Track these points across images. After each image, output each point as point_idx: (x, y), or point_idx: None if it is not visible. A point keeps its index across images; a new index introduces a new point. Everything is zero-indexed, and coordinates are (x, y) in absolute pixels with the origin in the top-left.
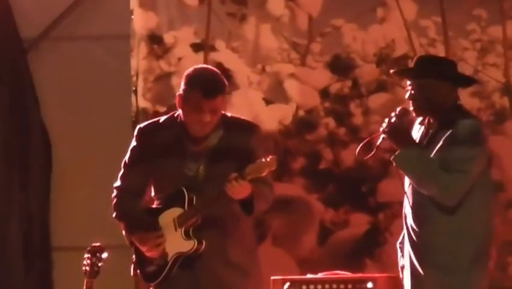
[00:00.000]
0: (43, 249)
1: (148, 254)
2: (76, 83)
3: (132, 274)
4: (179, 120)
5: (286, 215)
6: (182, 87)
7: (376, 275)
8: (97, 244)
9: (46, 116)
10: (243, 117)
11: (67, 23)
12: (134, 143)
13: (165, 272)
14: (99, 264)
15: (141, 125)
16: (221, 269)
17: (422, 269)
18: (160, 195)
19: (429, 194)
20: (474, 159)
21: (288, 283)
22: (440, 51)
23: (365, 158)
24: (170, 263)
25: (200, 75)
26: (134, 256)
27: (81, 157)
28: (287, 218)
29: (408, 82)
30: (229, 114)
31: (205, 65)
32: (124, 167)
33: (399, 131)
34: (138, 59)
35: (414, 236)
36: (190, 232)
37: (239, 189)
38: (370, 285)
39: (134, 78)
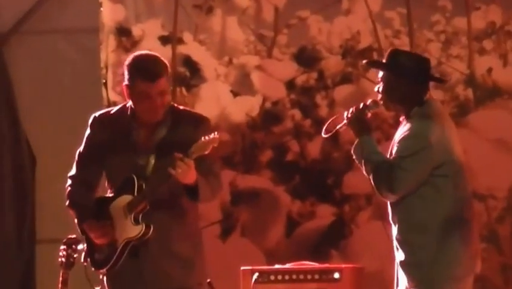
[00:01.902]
0: (29, 241)
1: (98, 241)
2: (48, 77)
3: (82, 261)
4: (129, 111)
5: (253, 206)
6: (126, 76)
7: (343, 266)
8: (73, 236)
9: (20, 110)
10: (193, 110)
11: (36, 17)
12: (88, 132)
13: (114, 258)
14: (75, 256)
15: (96, 114)
16: (165, 260)
17: (399, 267)
18: (112, 184)
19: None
20: (413, 155)
21: (256, 274)
22: (404, 43)
23: (326, 136)
24: (119, 249)
25: (140, 61)
26: (85, 245)
27: (54, 150)
28: (254, 210)
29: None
30: (180, 107)
31: (143, 52)
32: (78, 156)
33: (359, 121)
34: (107, 52)
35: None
36: (139, 218)
37: (185, 169)
38: (337, 275)
39: (104, 71)
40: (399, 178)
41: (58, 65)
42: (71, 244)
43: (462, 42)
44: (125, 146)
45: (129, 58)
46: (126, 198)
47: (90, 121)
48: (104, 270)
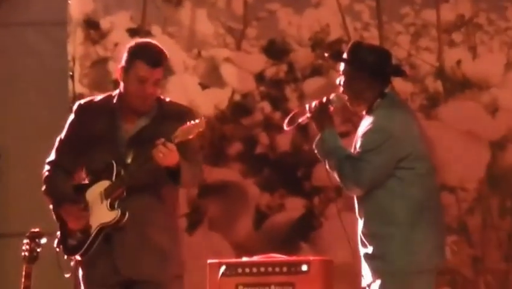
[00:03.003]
0: None
1: (72, 225)
2: (14, 69)
3: (55, 246)
4: (115, 100)
5: (222, 199)
6: (125, 58)
7: (311, 258)
8: (36, 229)
9: None
10: (179, 102)
11: (3, 9)
12: (71, 118)
13: (87, 244)
14: (38, 250)
15: (81, 101)
16: (142, 251)
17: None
18: (90, 171)
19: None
20: (377, 148)
21: (224, 267)
22: (373, 35)
23: (288, 129)
24: (93, 235)
25: (145, 46)
26: (58, 232)
27: (20, 143)
28: (223, 203)
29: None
30: (167, 99)
31: (146, 39)
32: (59, 141)
33: (322, 115)
34: (75, 44)
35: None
36: (115, 204)
37: (166, 153)
38: (305, 267)
39: (71, 63)
40: (365, 172)
41: (25, 58)
42: (34, 237)
43: (432, 34)
44: (108, 135)
45: (131, 43)
46: (104, 183)
47: (75, 108)
48: (76, 256)
